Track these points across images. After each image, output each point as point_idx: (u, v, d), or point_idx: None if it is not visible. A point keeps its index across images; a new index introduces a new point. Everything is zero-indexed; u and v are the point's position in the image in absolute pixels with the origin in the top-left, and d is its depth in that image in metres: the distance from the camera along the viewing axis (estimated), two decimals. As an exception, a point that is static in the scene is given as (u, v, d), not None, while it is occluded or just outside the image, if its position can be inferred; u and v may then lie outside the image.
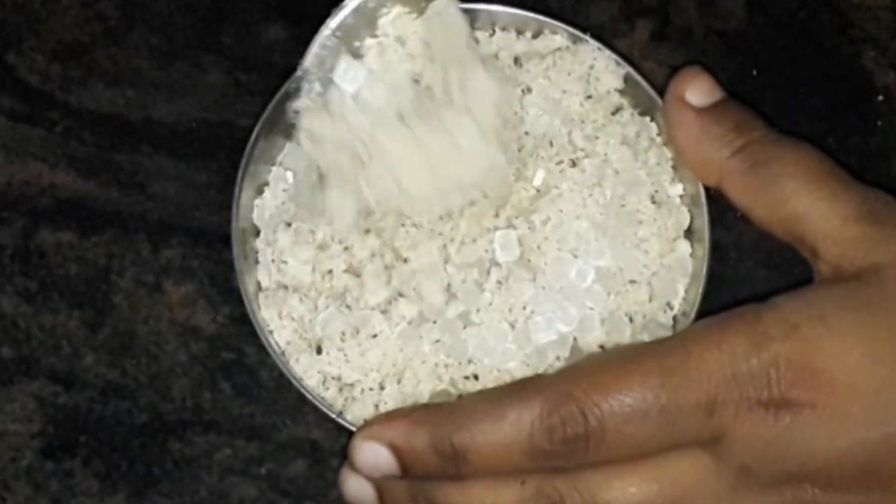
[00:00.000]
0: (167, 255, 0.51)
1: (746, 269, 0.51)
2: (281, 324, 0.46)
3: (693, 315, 0.45)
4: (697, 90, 0.44)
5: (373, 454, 0.41)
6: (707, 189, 0.45)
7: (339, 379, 0.45)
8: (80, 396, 0.50)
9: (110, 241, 0.52)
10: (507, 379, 0.44)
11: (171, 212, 0.52)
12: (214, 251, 0.51)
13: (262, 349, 0.50)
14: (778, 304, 0.40)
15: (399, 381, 0.44)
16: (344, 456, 0.47)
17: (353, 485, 0.42)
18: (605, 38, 0.48)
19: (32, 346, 0.51)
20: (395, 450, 0.40)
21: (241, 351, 0.51)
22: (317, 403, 0.44)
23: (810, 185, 0.42)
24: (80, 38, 0.54)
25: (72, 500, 0.49)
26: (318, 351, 0.45)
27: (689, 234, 0.46)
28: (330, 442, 0.50)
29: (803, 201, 0.42)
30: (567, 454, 0.39)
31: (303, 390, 0.44)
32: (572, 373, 0.40)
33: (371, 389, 0.44)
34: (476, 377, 0.44)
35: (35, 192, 0.52)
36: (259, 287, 0.47)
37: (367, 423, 0.41)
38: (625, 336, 0.44)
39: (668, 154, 0.46)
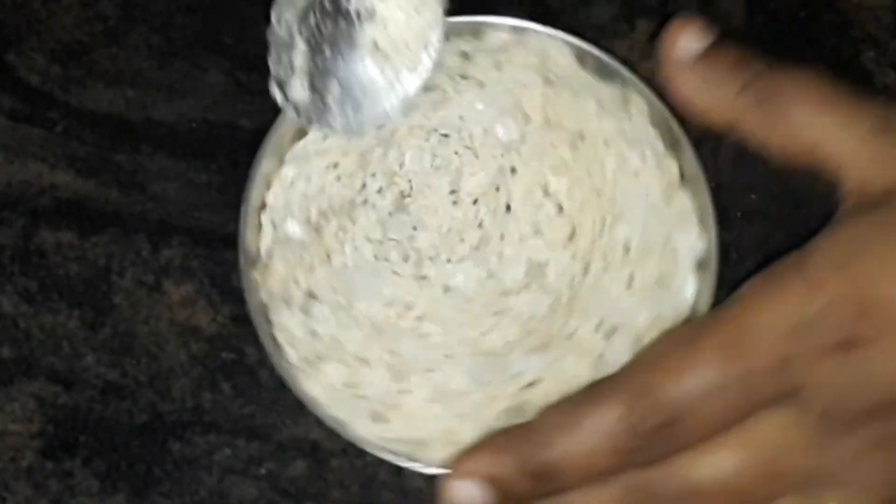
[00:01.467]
0: (167, 255, 0.51)
1: (747, 269, 0.51)
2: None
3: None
4: (689, 35, 0.43)
5: (467, 493, 0.40)
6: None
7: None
8: (80, 396, 0.50)
9: (110, 241, 0.52)
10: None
11: (171, 212, 0.52)
12: (214, 251, 0.51)
13: (262, 349, 0.50)
14: (819, 247, 0.40)
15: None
16: (344, 455, 0.48)
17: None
18: (605, 38, 0.48)
19: (32, 346, 0.51)
20: (489, 481, 0.40)
21: (241, 351, 0.50)
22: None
23: (822, 109, 0.41)
24: (80, 38, 0.54)
25: (72, 500, 0.49)
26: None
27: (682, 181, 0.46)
28: (330, 442, 0.50)
29: (817, 126, 0.41)
30: (654, 445, 0.39)
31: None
32: (639, 368, 0.40)
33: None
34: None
35: (35, 192, 0.52)
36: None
37: (456, 462, 0.41)
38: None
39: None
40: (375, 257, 0.45)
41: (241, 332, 0.51)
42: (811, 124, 0.41)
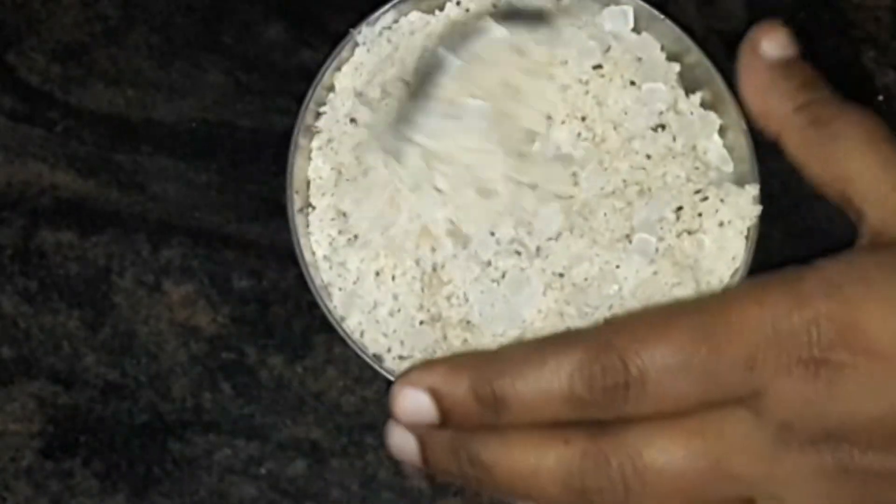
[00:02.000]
0: (167, 255, 0.51)
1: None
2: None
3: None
4: (774, 42, 0.45)
5: (413, 400, 0.40)
6: None
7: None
8: (80, 396, 0.50)
9: (110, 241, 0.52)
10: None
11: (171, 212, 0.52)
12: (214, 251, 0.51)
13: (262, 349, 0.51)
14: (820, 266, 0.40)
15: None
16: (344, 455, 0.48)
17: (398, 437, 0.42)
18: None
19: (32, 346, 0.51)
20: (435, 395, 0.40)
21: (241, 351, 0.51)
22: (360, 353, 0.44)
23: (865, 148, 0.42)
24: (80, 38, 0.54)
25: (72, 500, 0.49)
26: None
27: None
28: (330, 442, 0.50)
29: (856, 162, 0.42)
30: (606, 404, 0.39)
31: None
32: (614, 325, 0.40)
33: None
34: None
35: (35, 192, 0.52)
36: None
37: (407, 370, 0.41)
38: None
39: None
40: None
41: (241, 332, 0.51)
42: (850, 160, 0.42)
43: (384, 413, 0.50)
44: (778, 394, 0.39)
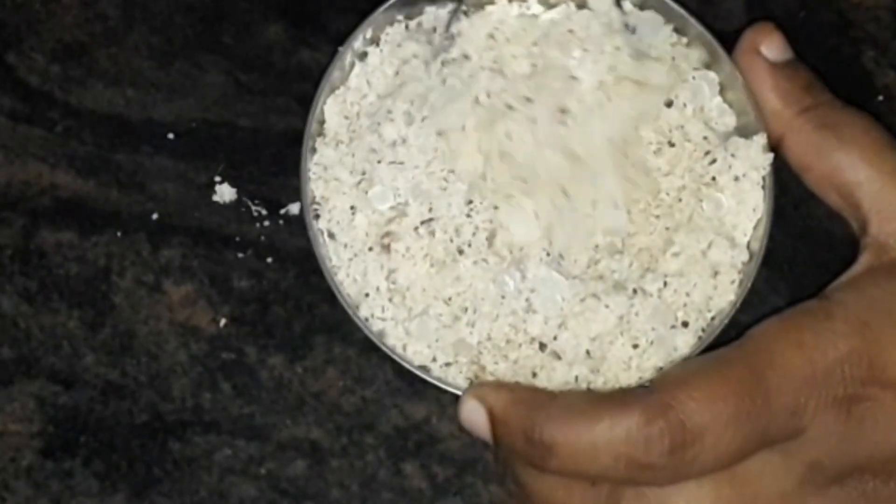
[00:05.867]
0: (167, 255, 0.51)
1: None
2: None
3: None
4: (773, 45, 0.45)
5: (474, 413, 0.41)
6: None
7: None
8: (80, 396, 0.50)
9: (110, 241, 0.52)
10: None
11: (171, 212, 0.52)
12: (214, 251, 0.51)
13: (262, 349, 0.51)
14: (844, 301, 0.41)
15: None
16: (344, 455, 0.47)
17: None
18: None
19: (32, 346, 0.51)
20: (492, 417, 0.41)
21: (241, 351, 0.51)
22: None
23: (873, 157, 0.42)
24: (80, 38, 0.54)
25: (72, 500, 0.49)
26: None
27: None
28: (330, 442, 0.50)
29: (863, 172, 0.42)
30: (664, 466, 0.39)
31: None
32: (668, 384, 0.40)
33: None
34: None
35: (35, 192, 0.52)
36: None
37: (483, 383, 0.42)
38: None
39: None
40: None
41: (241, 332, 0.51)
42: (855, 169, 0.43)
43: (384, 413, 0.50)
44: (814, 435, 0.39)
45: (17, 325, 0.51)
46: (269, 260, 0.51)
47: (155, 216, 0.52)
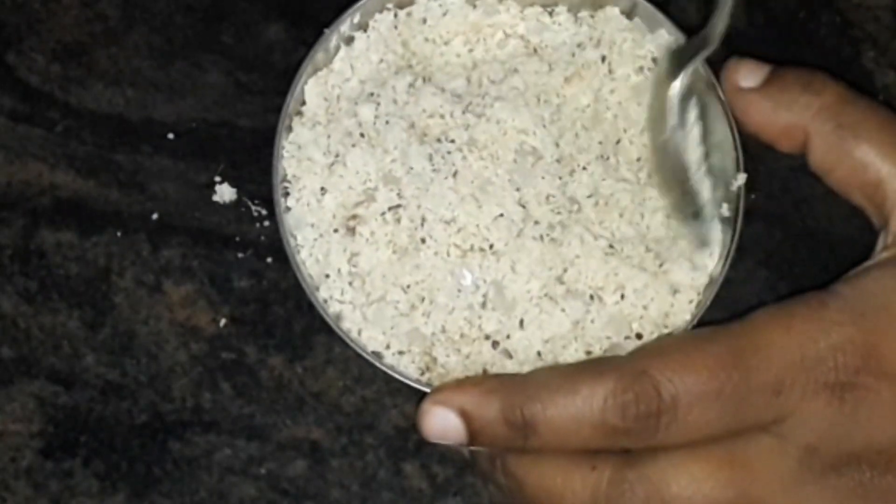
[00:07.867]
0: (167, 255, 0.51)
1: (746, 269, 0.51)
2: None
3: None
4: (748, 73, 0.45)
5: (442, 420, 0.41)
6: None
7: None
8: (80, 396, 0.50)
9: (110, 241, 0.52)
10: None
11: (171, 212, 0.52)
12: (214, 251, 0.51)
13: (262, 349, 0.51)
14: (842, 292, 0.41)
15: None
16: (344, 455, 0.47)
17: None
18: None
19: (32, 346, 0.51)
20: (465, 417, 0.40)
21: (241, 351, 0.51)
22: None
23: (892, 153, 0.43)
24: (80, 38, 0.54)
25: (72, 500, 0.49)
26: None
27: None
28: (330, 442, 0.50)
29: (885, 169, 0.43)
30: (638, 432, 0.39)
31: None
32: (646, 353, 0.41)
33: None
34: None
35: (35, 192, 0.52)
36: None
37: (437, 389, 0.41)
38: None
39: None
40: None
41: (241, 332, 0.51)
42: (880, 165, 0.43)
43: (384, 413, 0.50)
44: (804, 418, 0.39)
45: (17, 325, 0.51)
46: (269, 260, 0.51)
47: (155, 216, 0.52)
